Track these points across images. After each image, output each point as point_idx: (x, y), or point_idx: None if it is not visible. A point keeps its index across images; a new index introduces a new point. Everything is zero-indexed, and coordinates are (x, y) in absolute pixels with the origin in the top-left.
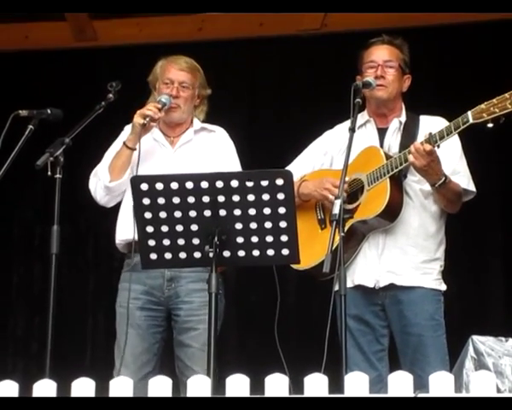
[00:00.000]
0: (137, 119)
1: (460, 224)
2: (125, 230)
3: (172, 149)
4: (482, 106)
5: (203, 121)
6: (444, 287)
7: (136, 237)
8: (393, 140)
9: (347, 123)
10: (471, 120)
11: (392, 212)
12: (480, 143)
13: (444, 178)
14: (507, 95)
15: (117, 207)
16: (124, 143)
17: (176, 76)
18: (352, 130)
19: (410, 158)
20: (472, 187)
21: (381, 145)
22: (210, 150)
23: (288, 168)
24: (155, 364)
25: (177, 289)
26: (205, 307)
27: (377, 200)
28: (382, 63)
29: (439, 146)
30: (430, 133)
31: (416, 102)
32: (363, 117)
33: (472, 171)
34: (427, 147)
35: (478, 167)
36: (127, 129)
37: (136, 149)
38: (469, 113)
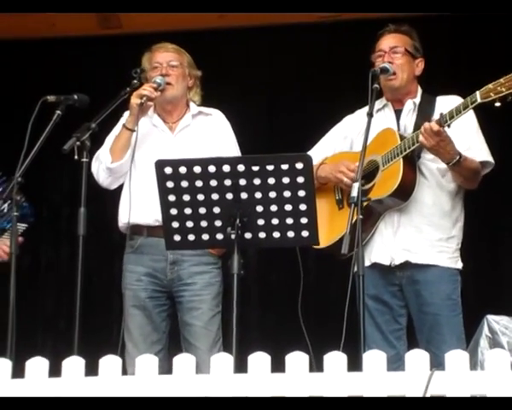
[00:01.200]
0: (134, 99)
1: (476, 203)
2: (127, 212)
3: (172, 134)
4: (490, 86)
5: (199, 105)
6: (460, 265)
7: (136, 220)
8: (408, 120)
9: (367, 108)
10: (479, 100)
11: (405, 191)
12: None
13: (458, 157)
14: None
15: None
16: (123, 124)
17: (163, 58)
18: (370, 115)
19: (420, 138)
20: (489, 158)
21: (398, 126)
22: (208, 134)
23: (309, 153)
24: (165, 341)
25: (179, 272)
26: (206, 288)
27: (391, 180)
28: (389, 50)
29: (449, 126)
30: (441, 113)
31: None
32: (381, 102)
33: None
34: (435, 127)
35: (495, 144)
36: (126, 114)
37: (135, 130)
38: (477, 92)
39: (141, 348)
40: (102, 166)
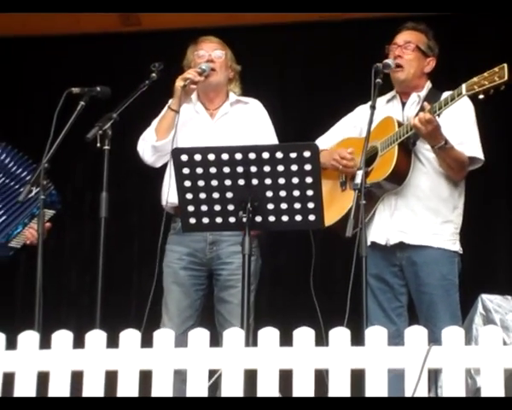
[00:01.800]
0: (178, 82)
1: (474, 192)
2: (171, 193)
3: (212, 120)
4: (475, 79)
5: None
6: (457, 247)
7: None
8: (411, 112)
9: (376, 100)
10: (464, 92)
11: (399, 175)
12: (490, 115)
13: (443, 143)
14: (496, 69)
15: (160, 173)
16: (168, 106)
17: (208, 48)
18: (372, 107)
19: (414, 123)
20: (479, 155)
21: (402, 117)
22: (246, 121)
23: (319, 139)
24: (197, 318)
25: (218, 251)
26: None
27: (386, 165)
28: (402, 44)
29: (439, 115)
30: (431, 104)
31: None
32: (391, 94)
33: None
34: (427, 116)
35: (486, 138)
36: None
37: (178, 111)
38: (463, 85)
39: (175, 321)
40: (148, 144)
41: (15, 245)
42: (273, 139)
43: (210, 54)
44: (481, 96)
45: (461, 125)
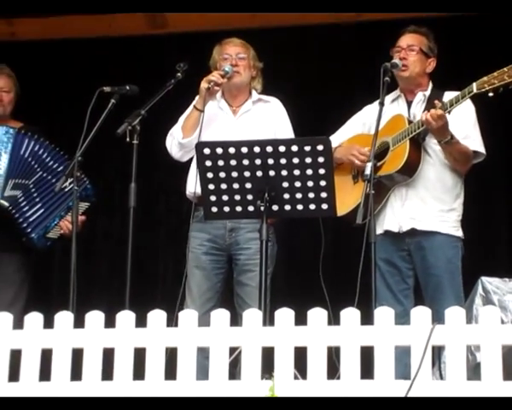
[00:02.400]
0: (203, 83)
1: (473, 181)
2: (194, 184)
3: (234, 117)
4: (485, 78)
5: (260, 93)
6: (460, 233)
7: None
8: (417, 110)
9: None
10: (475, 90)
11: (410, 168)
12: (491, 113)
13: (449, 138)
14: (505, 68)
15: (184, 166)
16: (193, 105)
17: (232, 50)
18: (381, 103)
19: (426, 118)
20: (481, 149)
21: (408, 114)
22: (266, 118)
23: (332, 136)
24: (217, 300)
25: (237, 237)
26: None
27: (398, 158)
28: (406, 47)
29: (449, 112)
30: (442, 102)
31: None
32: (395, 93)
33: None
34: (439, 111)
35: (488, 133)
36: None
37: (203, 110)
38: (474, 84)
39: (197, 303)
40: (175, 141)
41: (52, 236)
42: (290, 136)
43: (233, 56)
44: (491, 94)
45: (465, 121)
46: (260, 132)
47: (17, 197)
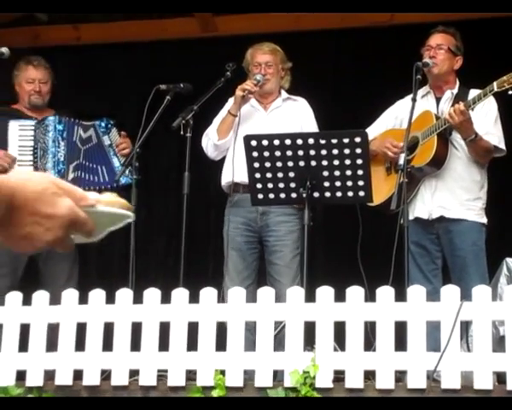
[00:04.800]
0: (238, 92)
1: (496, 172)
2: (227, 174)
3: (265, 112)
4: (504, 77)
5: (288, 89)
6: (485, 220)
7: (236, 180)
8: (445, 107)
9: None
10: (495, 89)
11: (438, 161)
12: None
13: (474, 136)
14: None
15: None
16: (228, 111)
17: (262, 59)
18: (414, 99)
19: (449, 114)
20: (502, 146)
21: (437, 110)
22: (295, 115)
23: (367, 129)
24: (254, 278)
25: (267, 221)
26: (288, 235)
27: (427, 152)
28: (435, 46)
29: (472, 109)
30: (464, 100)
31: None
32: (425, 89)
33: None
34: (462, 107)
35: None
36: (230, 100)
37: (237, 115)
38: (495, 83)
39: (235, 281)
40: (210, 142)
41: (124, 176)
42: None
43: (262, 65)
44: (511, 92)
45: (487, 117)
46: (289, 127)
47: (80, 177)
